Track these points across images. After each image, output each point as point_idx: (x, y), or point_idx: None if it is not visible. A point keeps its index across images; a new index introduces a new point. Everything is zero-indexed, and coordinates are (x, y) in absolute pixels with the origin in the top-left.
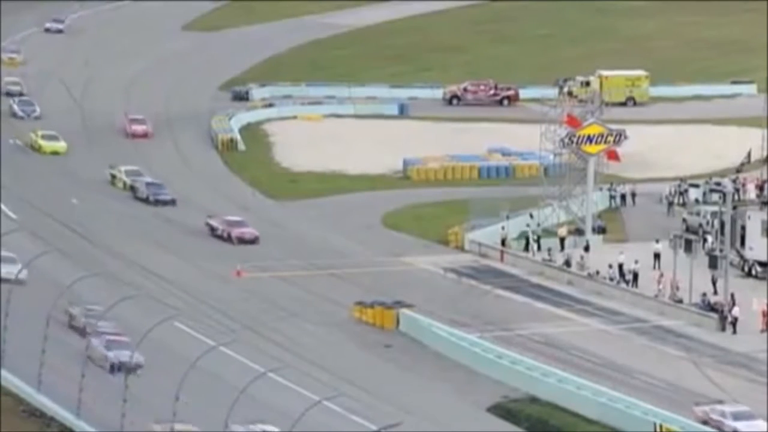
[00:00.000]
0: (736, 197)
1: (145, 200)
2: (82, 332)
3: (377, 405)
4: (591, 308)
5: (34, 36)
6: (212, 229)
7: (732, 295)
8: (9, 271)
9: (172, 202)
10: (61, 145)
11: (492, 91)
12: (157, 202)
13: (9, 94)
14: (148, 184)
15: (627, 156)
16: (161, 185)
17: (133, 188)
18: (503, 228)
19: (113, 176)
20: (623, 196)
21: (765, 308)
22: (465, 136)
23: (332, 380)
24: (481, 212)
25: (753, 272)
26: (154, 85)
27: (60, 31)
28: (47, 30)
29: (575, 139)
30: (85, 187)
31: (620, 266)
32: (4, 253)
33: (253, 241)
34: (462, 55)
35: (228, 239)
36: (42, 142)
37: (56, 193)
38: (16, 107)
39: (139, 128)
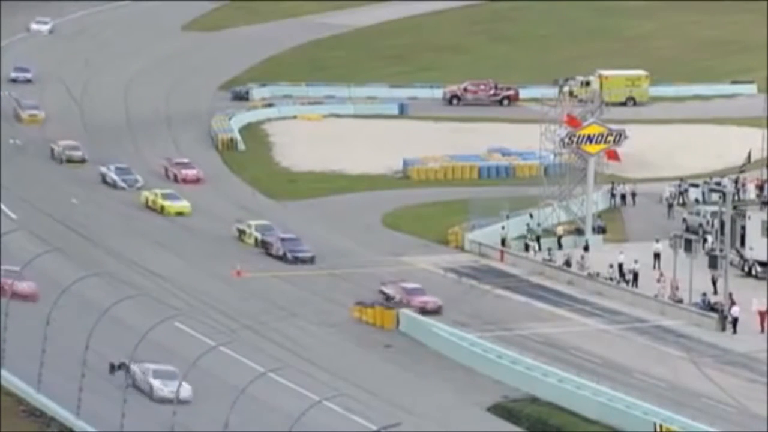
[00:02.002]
0: (736, 197)
1: (281, 258)
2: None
3: (377, 405)
4: (591, 308)
5: (34, 36)
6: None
7: (730, 295)
8: (171, 389)
9: (312, 260)
10: (185, 205)
11: (492, 91)
12: (296, 260)
13: (71, 161)
14: (283, 240)
15: (627, 156)
16: (297, 240)
17: (265, 244)
18: (503, 228)
19: (242, 231)
20: (623, 196)
21: (762, 309)
22: (465, 136)
23: (332, 380)
24: (481, 212)
25: (753, 272)
26: (154, 85)
27: (49, 32)
28: (29, 30)
29: (575, 139)
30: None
31: (620, 266)
32: (161, 367)
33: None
34: (462, 55)
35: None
36: (165, 203)
37: (56, 193)
38: (114, 176)
39: (189, 173)
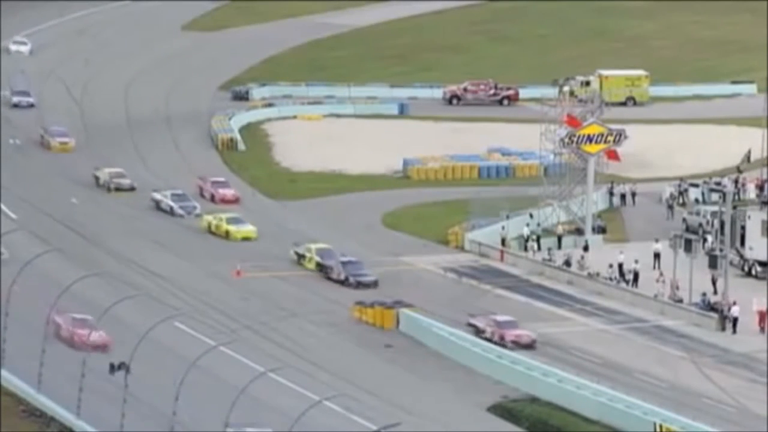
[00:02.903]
0: (736, 197)
1: (343, 282)
2: None
3: (377, 405)
4: (591, 308)
5: (33, 36)
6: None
7: (725, 294)
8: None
9: (375, 284)
10: (251, 230)
11: (492, 91)
12: (359, 284)
13: (119, 189)
14: (344, 264)
15: (627, 156)
16: (359, 263)
17: (325, 268)
18: (503, 228)
19: (301, 255)
20: (623, 196)
21: (761, 309)
22: (465, 136)
23: (332, 380)
24: (481, 212)
25: (753, 272)
26: (154, 85)
27: (30, 53)
28: (9, 52)
29: (575, 139)
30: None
31: (620, 266)
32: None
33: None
34: (462, 55)
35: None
36: (230, 227)
37: (56, 193)
38: (171, 203)
39: (228, 193)
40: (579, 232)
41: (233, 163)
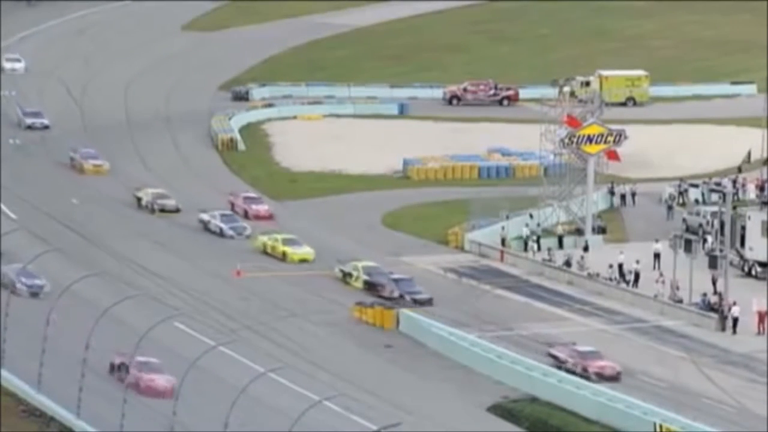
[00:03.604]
0: (736, 197)
1: (396, 299)
2: None
3: (377, 405)
4: (591, 308)
5: (33, 35)
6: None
7: (720, 294)
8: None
9: (430, 302)
10: (308, 252)
11: (492, 91)
12: (415, 302)
13: (164, 210)
14: (397, 281)
15: (627, 156)
16: (411, 281)
17: (375, 286)
18: (503, 228)
19: (346, 274)
20: (623, 196)
21: (760, 310)
22: (465, 136)
23: (332, 380)
24: (481, 212)
25: (753, 272)
26: (154, 85)
27: (25, 70)
28: (3, 70)
29: (575, 139)
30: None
31: (620, 266)
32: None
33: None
34: (462, 55)
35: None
36: (286, 249)
37: (56, 193)
38: (220, 224)
39: (261, 209)
40: (579, 232)
41: (233, 163)
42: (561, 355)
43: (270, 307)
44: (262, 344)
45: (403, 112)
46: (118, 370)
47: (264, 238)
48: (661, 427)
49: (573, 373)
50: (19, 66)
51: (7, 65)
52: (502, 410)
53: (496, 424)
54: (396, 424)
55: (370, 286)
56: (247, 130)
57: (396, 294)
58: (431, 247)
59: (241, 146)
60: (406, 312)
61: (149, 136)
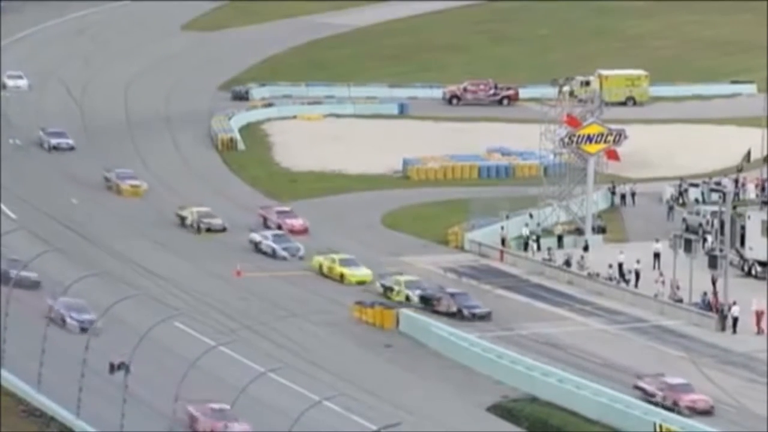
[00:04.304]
0: (736, 197)
1: (454, 315)
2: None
3: (377, 405)
4: (591, 308)
5: (33, 36)
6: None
7: (716, 293)
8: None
9: (489, 316)
10: (366, 273)
11: (492, 91)
12: (474, 317)
13: (210, 230)
14: (453, 295)
15: (627, 156)
16: (467, 295)
17: (428, 300)
18: (503, 228)
19: (387, 288)
20: (623, 196)
21: (758, 309)
22: (465, 136)
23: (332, 380)
24: (481, 212)
25: (753, 272)
26: (154, 85)
27: (29, 87)
28: (6, 87)
29: (575, 139)
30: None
31: (620, 266)
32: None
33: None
34: (462, 55)
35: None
36: (344, 270)
37: (56, 193)
38: (272, 244)
39: (296, 223)
40: (579, 232)
41: (233, 163)
42: (650, 387)
43: (270, 307)
44: (262, 344)
45: (403, 112)
46: (117, 369)
47: (320, 258)
48: (661, 427)
49: (662, 407)
50: (23, 83)
51: (10, 82)
52: (502, 410)
53: (496, 424)
54: (396, 424)
55: (424, 301)
56: (247, 130)
57: (453, 309)
58: (431, 247)
59: (241, 146)
60: (405, 312)
61: (149, 136)
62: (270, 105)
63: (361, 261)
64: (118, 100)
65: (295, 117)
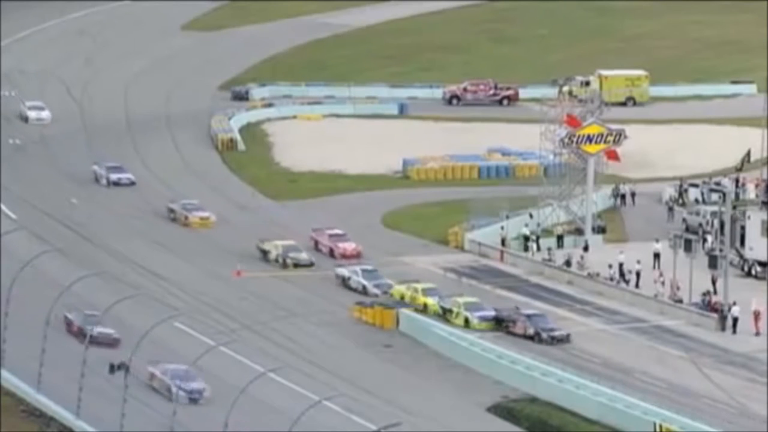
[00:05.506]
0: (736, 197)
1: (533, 338)
2: (80, 335)
3: (377, 405)
4: (591, 308)
5: (33, 36)
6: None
7: (708, 292)
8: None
9: (568, 338)
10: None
11: (492, 91)
12: (552, 339)
13: (297, 265)
14: (530, 317)
15: (627, 156)
16: (544, 316)
17: (504, 321)
18: (503, 228)
19: (447, 310)
20: (623, 196)
21: (755, 309)
22: (465, 136)
23: (332, 380)
24: (481, 212)
25: (753, 272)
26: (154, 85)
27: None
28: (27, 120)
29: (575, 139)
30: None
31: (620, 266)
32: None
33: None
34: (462, 55)
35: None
36: (427, 300)
37: (56, 193)
38: (362, 280)
39: (348, 247)
40: (579, 232)
41: (233, 163)
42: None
43: (270, 307)
44: (262, 344)
45: (403, 112)
46: (117, 369)
47: (402, 288)
48: (661, 427)
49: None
50: (45, 115)
51: (32, 114)
52: (502, 410)
53: (496, 424)
54: (396, 423)
55: (498, 322)
56: (247, 130)
57: (531, 331)
58: (431, 247)
59: (241, 146)
60: (405, 312)
61: (149, 136)
62: (270, 105)
63: (360, 261)
64: (118, 100)
65: (295, 117)
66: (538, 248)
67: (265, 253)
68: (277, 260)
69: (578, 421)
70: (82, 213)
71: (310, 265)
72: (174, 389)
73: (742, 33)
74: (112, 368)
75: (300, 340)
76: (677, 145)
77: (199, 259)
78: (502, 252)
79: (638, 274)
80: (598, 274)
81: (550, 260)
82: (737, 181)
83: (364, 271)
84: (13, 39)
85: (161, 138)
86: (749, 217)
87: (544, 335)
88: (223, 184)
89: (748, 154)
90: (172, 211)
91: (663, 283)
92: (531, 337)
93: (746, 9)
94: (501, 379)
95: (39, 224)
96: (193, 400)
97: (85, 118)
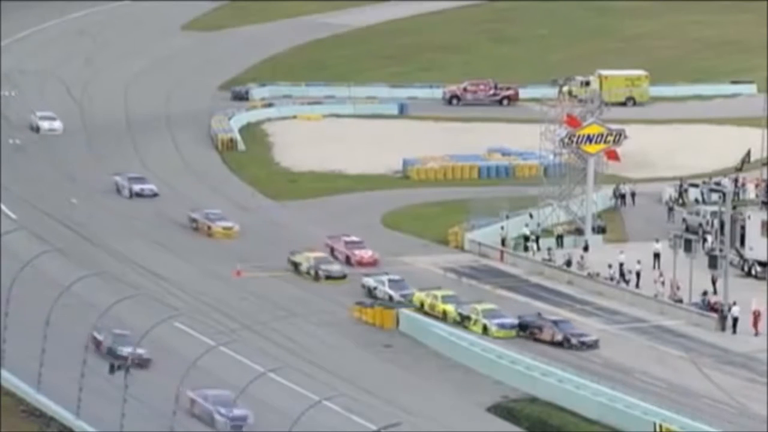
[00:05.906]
0: (736, 197)
1: (561, 344)
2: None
3: (377, 405)
4: (591, 308)
5: (33, 36)
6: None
7: (705, 293)
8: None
9: (596, 344)
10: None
11: (492, 91)
12: (582, 345)
13: (330, 278)
14: (556, 323)
15: (627, 156)
16: (569, 322)
17: (530, 328)
18: (503, 228)
19: (464, 317)
20: (623, 196)
21: (755, 309)
22: (465, 136)
23: (332, 380)
24: (481, 212)
25: (753, 272)
26: (154, 85)
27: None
28: (39, 131)
29: (575, 139)
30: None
31: (620, 266)
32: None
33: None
34: (462, 55)
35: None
36: (446, 307)
37: (56, 193)
38: (390, 291)
39: (365, 255)
40: (579, 232)
41: (233, 163)
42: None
43: (270, 307)
44: (262, 344)
45: (403, 112)
46: (117, 369)
47: (421, 295)
48: (661, 427)
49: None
50: (57, 125)
51: (44, 125)
52: (502, 410)
53: (496, 424)
54: (396, 423)
55: (523, 328)
56: (247, 130)
57: (559, 338)
58: (431, 247)
59: (241, 146)
60: (405, 312)
61: (149, 136)
62: (270, 105)
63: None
64: (118, 100)
65: (295, 117)
66: (538, 248)
67: (296, 265)
68: (308, 272)
69: (578, 421)
70: (82, 213)
71: (343, 277)
72: (216, 416)
73: (742, 33)
74: (112, 368)
75: (300, 340)
76: (677, 145)
77: (199, 259)
78: (502, 252)
79: (638, 274)
80: (598, 274)
81: (550, 260)
82: (737, 181)
83: (391, 281)
84: (13, 39)
85: (161, 138)
86: (749, 217)
87: (574, 341)
88: (223, 184)
89: (748, 154)
90: (193, 220)
91: (663, 283)
92: (560, 344)
93: (746, 9)
94: (501, 379)
95: (39, 224)
96: (237, 428)
97: (85, 118)
